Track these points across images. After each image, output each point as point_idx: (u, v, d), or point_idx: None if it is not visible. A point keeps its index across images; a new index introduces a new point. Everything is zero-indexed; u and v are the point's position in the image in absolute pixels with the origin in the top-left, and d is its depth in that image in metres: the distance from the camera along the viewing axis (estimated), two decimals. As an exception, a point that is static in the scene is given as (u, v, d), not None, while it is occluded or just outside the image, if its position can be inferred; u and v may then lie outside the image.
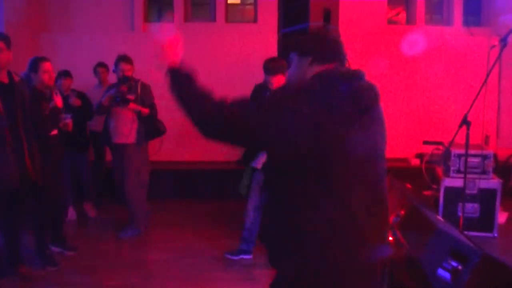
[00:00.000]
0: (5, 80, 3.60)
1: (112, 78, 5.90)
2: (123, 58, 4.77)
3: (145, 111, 4.78)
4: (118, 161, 4.90)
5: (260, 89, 4.23)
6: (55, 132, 4.12)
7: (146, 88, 4.89)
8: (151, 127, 4.90)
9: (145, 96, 4.84)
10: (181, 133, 6.18)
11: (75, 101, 4.95)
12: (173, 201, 6.13)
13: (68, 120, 4.18)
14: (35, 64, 4.00)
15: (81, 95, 5.20)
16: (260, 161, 4.09)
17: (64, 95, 4.95)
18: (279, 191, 1.78)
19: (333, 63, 1.89)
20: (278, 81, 3.93)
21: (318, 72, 1.82)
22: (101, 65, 5.79)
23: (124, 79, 4.70)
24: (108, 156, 5.95)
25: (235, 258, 4.23)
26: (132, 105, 4.71)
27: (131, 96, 4.67)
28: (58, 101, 4.10)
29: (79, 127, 5.00)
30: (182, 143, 6.51)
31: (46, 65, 4.01)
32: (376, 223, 1.79)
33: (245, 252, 4.25)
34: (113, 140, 4.83)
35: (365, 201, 1.73)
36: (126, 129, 4.74)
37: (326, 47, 1.93)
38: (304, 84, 1.79)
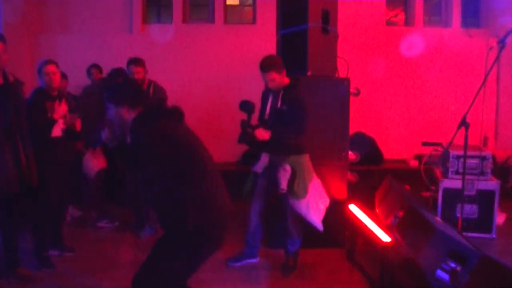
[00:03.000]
0: (0, 81, 3.59)
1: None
2: (133, 61, 4.81)
3: None
4: None
5: (264, 93, 4.15)
6: (57, 134, 4.10)
7: (158, 90, 4.95)
8: None
9: (157, 97, 4.88)
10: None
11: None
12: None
13: (75, 120, 4.20)
14: (40, 66, 4.08)
15: (76, 100, 5.21)
16: (261, 166, 4.01)
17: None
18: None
19: (141, 106, 2.67)
20: (272, 78, 3.82)
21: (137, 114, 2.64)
22: (94, 66, 5.79)
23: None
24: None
25: (239, 264, 4.16)
26: None
27: None
28: (59, 109, 4.08)
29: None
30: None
31: (47, 68, 4.05)
32: None
33: (249, 255, 4.19)
34: (127, 140, 4.87)
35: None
36: None
37: (134, 96, 2.68)
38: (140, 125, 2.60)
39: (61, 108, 4.08)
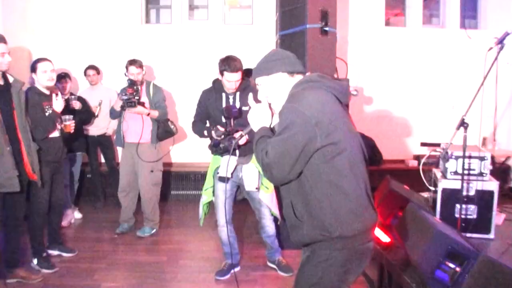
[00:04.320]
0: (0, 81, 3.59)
1: (104, 80, 5.92)
2: (133, 62, 4.83)
3: (153, 113, 4.84)
4: (129, 161, 4.98)
5: (208, 95, 3.95)
6: (56, 133, 4.11)
7: (157, 90, 4.97)
8: (163, 127, 4.96)
9: (157, 98, 4.91)
10: (179, 134, 6.18)
11: (76, 104, 5.01)
12: (171, 203, 6.13)
13: (70, 123, 4.19)
14: (34, 64, 4.04)
15: (80, 99, 5.22)
16: (228, 170, 3.77)
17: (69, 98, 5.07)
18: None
19: (301, 73, 2.20)
20: (238, 79, 3.75)
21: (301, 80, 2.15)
22: (91, 67, 5.79)
23: (130, 83, 4.77)
24: (101, 158, 5.98)
25: (226, 277, 4.02)
26: (138, 108, 4.76)
27: (134, 99, 4.71)
28: (57, 104, 4.07)
29: (77, 130, 5.02)
30: (181, 144, 6.51)
31: (44, 65, 4.02)
32: None
33: (234, 266, 4.12)
34: (127, 140, 4.91)
35: None
36: (139, 129, 4.84)
37: (292, 58, 2.21)
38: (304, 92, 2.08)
39: (59, 101, 4.07)
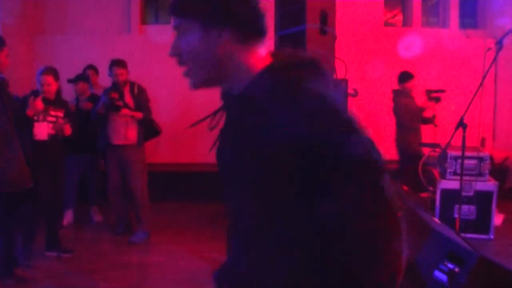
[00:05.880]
0: None
1: (103, 81, 5.90)
2: (116, 63, 4.80)
3: (138, 115, 4.82)
4: (117, 162, 4.92)
5: None
6: (44, 137, 4.10)
7: (141, 91, 4.94)
8: (148, 127, 4.97)
9: (141, 99, 4.89)
10: (177, 135, 6.17)
11: (86, 105, 5.01)
12: (170, 203, 6.12)
13: (64, 126, 4.18)
14: (39, 72, 4.12)
15: (95, 99, 5.18)
16: None
17: (80, 99, 5.13)
18: None
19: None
20: None
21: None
22: (90, 67, 5.77)
23: (114, 86, 4.76)
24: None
25: None
26: (124, 111, 4.74)
27: (119, 103, 4.70)
28: (33, 104, 3.99)
29: (90, 131, 5.01)
30: (179, 144, 6.51)
31: (43, 79, 4.10)
32: None
33: None
34: (113, 142, 4.84)
35: None
36: (124, 130, 4.81)
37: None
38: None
39: (36, 104, 4.00)
